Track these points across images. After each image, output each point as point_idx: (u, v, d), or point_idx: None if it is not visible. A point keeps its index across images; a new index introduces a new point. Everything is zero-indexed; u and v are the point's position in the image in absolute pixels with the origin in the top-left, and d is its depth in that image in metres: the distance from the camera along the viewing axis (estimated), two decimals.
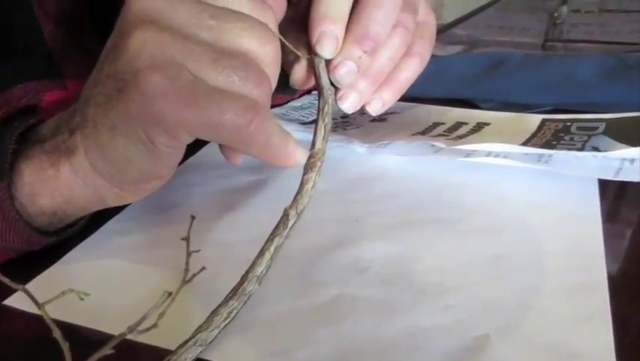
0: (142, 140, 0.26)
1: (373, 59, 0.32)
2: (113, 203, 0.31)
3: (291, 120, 0.50)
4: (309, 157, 0.29)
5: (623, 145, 0.37)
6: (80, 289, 0.28)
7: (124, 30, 0.25)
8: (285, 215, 0.27)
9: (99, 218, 0.36)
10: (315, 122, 0.30)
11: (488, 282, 0.29)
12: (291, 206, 0.28)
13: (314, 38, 0.30)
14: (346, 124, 0.50)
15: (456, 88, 0.58)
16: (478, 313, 0.27)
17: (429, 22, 0.36)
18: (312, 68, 0.32)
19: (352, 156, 0.44)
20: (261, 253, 0.27)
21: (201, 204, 0.39)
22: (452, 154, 0.40)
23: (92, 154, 0.28)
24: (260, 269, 0.26)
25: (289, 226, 0.27)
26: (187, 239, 0.26)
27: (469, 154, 0.40)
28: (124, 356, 0.25)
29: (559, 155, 0.38)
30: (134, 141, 0.26)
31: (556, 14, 0.81)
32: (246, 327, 0.27)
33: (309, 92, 0.57)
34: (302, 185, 0.28)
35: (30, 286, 0.30)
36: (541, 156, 0.39)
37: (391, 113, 0.52)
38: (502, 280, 0.30)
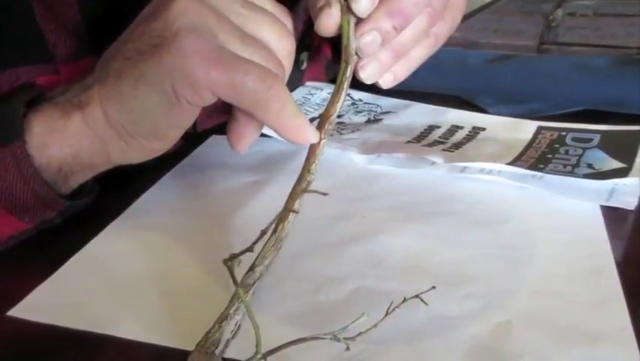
0: (166, 91, 0.27)
1: (400, 34, 0.32)
2: (117, 160, 0.32)
3: None
4: (323, 117, 0.30)
5: (617, 161, 0.38)
6: (83, 296, 0.29)
7: None
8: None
9: (97, 224, 0.36)
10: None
11: (501, 271, 0.31)
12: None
13: None
14: (341, 127, 0.49)
15: (457, 81, 0.58)
16: (497, 301, 0.28)
17: (457, 4, 0.36)
18: (342, 24, 0.31)
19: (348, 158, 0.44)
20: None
21: (198, 206, 0.39)
22: (448, 170, 0.41)
23: (109, 103, 0.29)
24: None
25: (313, 165, 0.29)
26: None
27: (463, 169, 0.41)
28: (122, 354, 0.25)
29: (549, 177, 0.39)
30: (157, 91, 0.28)
31: (551, 17, 0.81)
32: (267, 325, 0.26)
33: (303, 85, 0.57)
34: (311, 150, 0.29)
35: (34, 293, 0.30)
36: (533, 176, 0.39)
37: (386, 112, 0.52)
38: (515, 269, 0.31)
